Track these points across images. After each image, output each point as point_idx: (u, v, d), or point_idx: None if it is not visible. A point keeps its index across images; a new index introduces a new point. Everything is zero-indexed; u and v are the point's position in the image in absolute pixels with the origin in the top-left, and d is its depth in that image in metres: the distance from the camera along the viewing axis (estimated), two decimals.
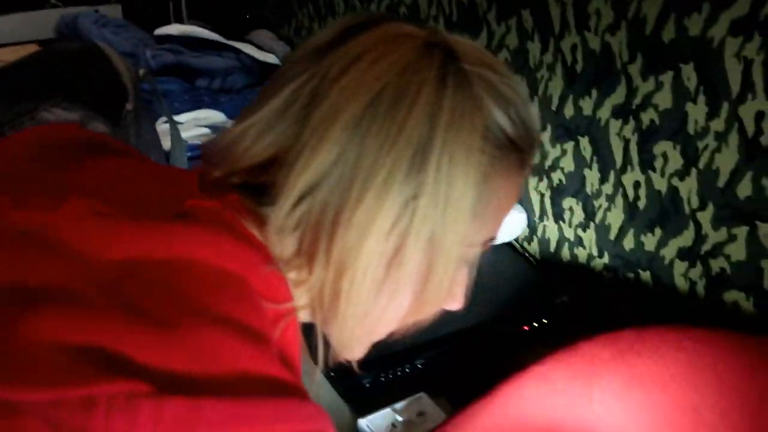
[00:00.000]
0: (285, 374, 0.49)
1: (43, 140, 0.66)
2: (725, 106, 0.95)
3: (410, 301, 0.59)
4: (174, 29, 1.94)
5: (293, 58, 0.57)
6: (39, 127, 0.70)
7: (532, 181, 1.35)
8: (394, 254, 0.54)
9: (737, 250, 1.00)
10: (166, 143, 1.47)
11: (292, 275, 0.57)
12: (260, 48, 2.01)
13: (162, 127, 1.56)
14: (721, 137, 0.97)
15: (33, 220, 0.50)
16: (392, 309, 0.59)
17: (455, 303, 0.65)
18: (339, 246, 0.53)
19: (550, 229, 1.34)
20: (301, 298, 0.58)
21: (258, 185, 0.55)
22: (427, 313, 0.62)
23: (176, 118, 1.70)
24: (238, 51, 1.95)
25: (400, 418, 0.98)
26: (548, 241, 1.35)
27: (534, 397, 0.93)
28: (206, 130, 1.68)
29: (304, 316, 0.61)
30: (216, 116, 1.74)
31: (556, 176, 1.29)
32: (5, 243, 0.49)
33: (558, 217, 1.31)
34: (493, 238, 0.63)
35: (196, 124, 1.71)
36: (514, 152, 0.57)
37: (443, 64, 0.53)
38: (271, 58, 1.99)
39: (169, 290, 0.47)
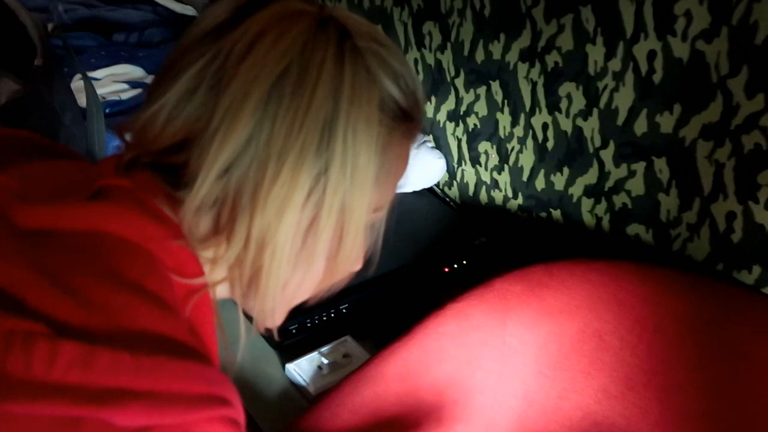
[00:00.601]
0: (191, 341, 0.50)
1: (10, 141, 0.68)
2: (621, 46, 0.99)
3: (325, 267, 0.62)
4: None
5: (191, 38, 0.58)
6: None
7: (449, 127, 1.37)
8: (310, 225, 0.58)
9: (637, 186, 1.05)
10: (83, 100, 1.44)
11: (208, 253, 0.59)
12: (178, 0, 1.96)
13: (77, 83, 1.53)
14: (618, 77, 1.00)
15: None
16: (309, 277, 0.62)
17: (357, 264, 0.68)
18: (258, 223, 0.55)
19: (468, 173, 1.38)
20: (216, 274, 0.60)
21: (170, 165, 0.57)
22: (340, 275, 0.65)
23: (93, 74, 1.66)
24: (154, 3, 1.90)
25: (326, 361, 1.01)
26: (467, 185, 1.39)
27: (451, 332, 0.97)
28: (124, 86, 1.65)
29: (220, 292, 0.63)
30: (134, 71, 1.70)
31: (471, 121, 1.32)
32: None
33: (475, 161, 1.35)
34: (390, 202, 0.67)
35: (113, 80, 1.67)
36: (406, 121, 0.61)
37: (339, 41, 0.56)
38: (189, 11, 1.95)
39: (79, 256, 0.49)
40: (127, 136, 0.60)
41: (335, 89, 0.55)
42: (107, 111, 1.51)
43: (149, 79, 1.69)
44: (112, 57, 1.72)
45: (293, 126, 0.54)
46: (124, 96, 1.59)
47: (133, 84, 1.65)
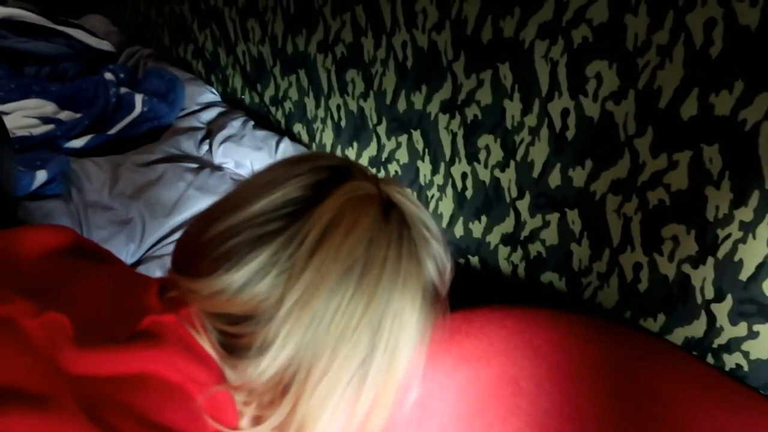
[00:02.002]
0: None
1: (41, 242, 0.67)
2: (537, 102, 1.04)
3: None
4: None
5: (265, 204, 0.60)
6: (37, 229, 0.69)
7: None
8: (344, 408, 0.61)
9: (550, 235, 1.09)
10: None
11: (248, 410, 0.61)
12: (93, 34, 1.92)
13: None
14: (534, 131, 1.05)
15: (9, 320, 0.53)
16: None
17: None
18: (303, 407, 0.58)
19: None
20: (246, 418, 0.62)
21: (229, 332, 0.59)
22: None
23: (2, 107, 1.60)
24: (69, 36, 1.85)
25: None
26: None
27: None
28: (35, 121, 1.59)
29: None
30: (46, 106, 1.65)
31: (392, 167, 1.34)
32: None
33: None
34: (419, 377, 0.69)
35: (24, 114, 1.61)
36: (437, 296, 0.66)
37: (399, 236, 0.60)
38: (105, 45, 1.92)
39: (122, 403, 0.52)
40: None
41: (391, 285, 0.59)
42: (17, 147, 1.45)
43: (62, 114, 1.64)
44: (22, 90, 1.66)
45: (351, 322, 0.58)
46: (35, 132, 1.53)
47: (45, 119, 1.60)
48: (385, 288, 0.59)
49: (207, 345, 0.59)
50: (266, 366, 0.58)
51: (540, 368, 0.98)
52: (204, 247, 0.60)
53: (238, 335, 0.58)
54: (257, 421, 0.61)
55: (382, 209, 0.61)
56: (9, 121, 1.51)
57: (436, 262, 0.64)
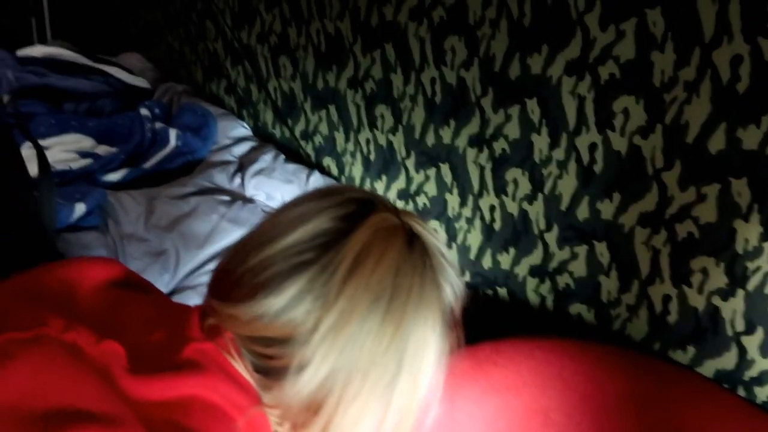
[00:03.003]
0: None
1: (96, 274, 0.72)
2: (564, 137, 1.06)
3: None
4: (37, 51, 1.88)
5: (297, 236, 0.63)
6: (93, 262, 0.74)
7: (400, 205, 1.42)
8: (374, 426, 0.63)
9: (579, 268, 1.11)
10: (33, 169, 1.43)
11: (282, 429, 0.65)
12: (129, 71, 1.98)
13: (28, 152, 1.52)
14: (562, 165, 1.07)
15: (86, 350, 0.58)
16: None
17: None
18: (336, 427, 0.61)
19: None
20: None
21: (266, 354, 0.63)
22: None
23: (42, 141, 1.65)
24: (106, 74, 1.91)
25: None
26: None
27: None
28: (74, 155, 1.64)
29: None
30: (84, 141, 1.70)
31: (421, 200, 1.37)
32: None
33: None
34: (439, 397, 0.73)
35: (63, 149, 1.67)
36: (453, 321, 0.68)
37: (423, 263, 0.63)
38: (141, 82, 1.97)
39: (176, 424, 0.57)
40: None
41: (416, 311, 0.62)
42: (57, 180, 1.50)
43: (99, 149, 1.69)
44: (61, 126, 1.72)
45: (380, 347, 0.61)
46: (74, 165, 1.58)
47: (83, 153, 1.65)
48: (411, 314, 0.62)
49: (243, 371, 0.62)
50: (301, 387, 0.60)
51: (570, 400, 0.99)
52: (242, 276, 0.64)
53: (275, 357, 0.61)
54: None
55: (406, 240, 0.64)
56: (49, 156, 1.56)
57: (453, 288, 0.67)
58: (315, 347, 0.60)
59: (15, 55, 1.89)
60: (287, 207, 0.67)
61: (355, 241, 0.62)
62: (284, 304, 0.60)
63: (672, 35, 0.88)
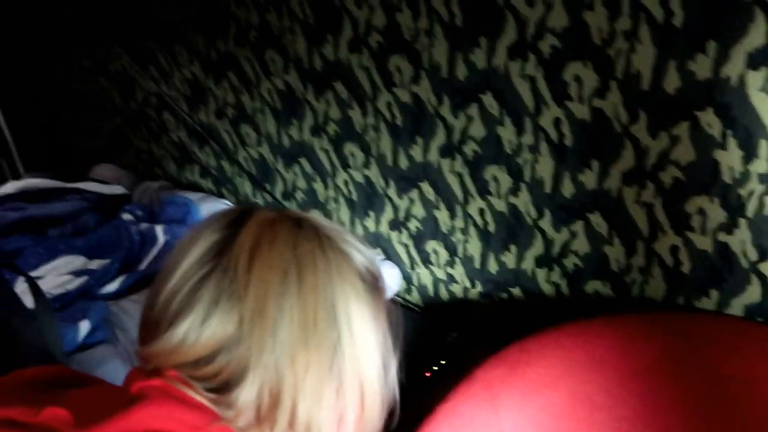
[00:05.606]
0: None
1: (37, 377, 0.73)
2: (527, 120, 1.04)
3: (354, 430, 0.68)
4: (10, 187, 1.89)
5: (189, 262, 0.64)
6: (37, 369, 0.76)
7: (394, 236, 1.40)
8: (337, 396, 0.63)
9: (581, 245, 1.08)
10: (28, 300, 1.43)
11: None
12: (103, 182, 1.99)
13: (21, 286, 1.52)
14: (534, 149, 1.06)
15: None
16: None
17: (380, 421, 0.71)
18: (302, 407, 0.61)
19: (423, 274, 1.39)
20: None
21: (209, 373, 0.63)
22: None
23: (35, 272, 1.65)
24: (81, 191, 1.92)
25: None
26: (425, 287, 1.41)
27: None
28: (68, 277, 1.64)
29: None
30: (74, 261, 1.70)
31: (413, 225, 1.35)
32: None
33: (426, 261, 1.37)
34: (397, 360, 0.72)
35: (57, 273, 1.66)
36: (378, 285, 0.68)
37: (316, 234, 0.65)
38: (117, 189, 1.98)
39: None
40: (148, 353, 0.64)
41: (327, 273, 0.63)
42: (56, 305, 1.49)
43: (92, 264, 1.68)
44: (50, 252, 1.71)
45: (307, 314, 0.61)
46: (70, 286, 1.58)
47: (77, 272, 1.64)
48: (323, 277, 0.63)
49: (194, 394, 0.62)
50: (251, 384, 0.60)
51: (609, 378, 0.96)
52: (158, 314, 0.65)
53: (217, 372, 0.62)
54: None
55: (293, 223, 0.67)
56: (44, 284, 1.56)
57: (359, 251, 0.68)
58: (247, 341, 0.60)
59: None
60: (178, 243, 0.68)
61: (244, 236, 0.63)
62: (202, 317, 0.61)
63: None
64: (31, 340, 1.31)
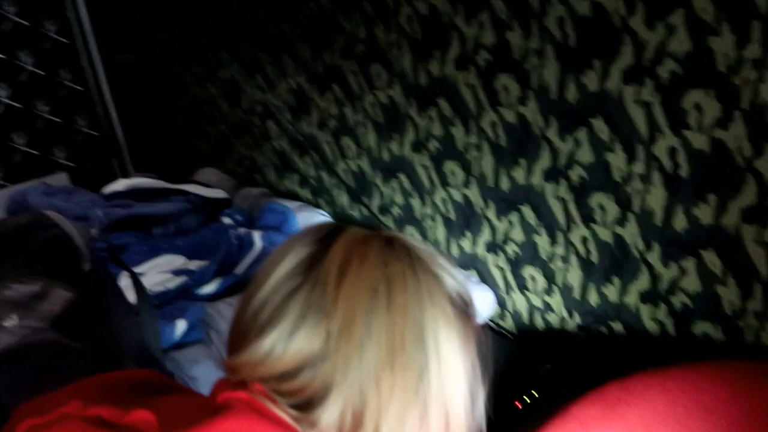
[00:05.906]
0: None
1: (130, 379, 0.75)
2: (640, 148, 0.99)
3: None
4: (120, 185, 1.98)
5: (278, 276, 0.65)
6: (126, 372, 0.78)
7: (491, 258, 1.37)
8: (422, 421, 0.62)
9: (692, 283, 1.02)
10: (131, 296, 1.48)
11: None
12: (206, 185, 2.05)
13: (125, 281, 1.57)
14: (645, 178, 1.00)
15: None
16: None
17: None
18: (384, 429, 0.60)
19: (518, 300, 1.35)
20: None
21: (293, 388, 0.62)
22: None
23: (137, 268, 1.71)
24: (186, 192, 1.98)
25: None
26: (519, 314, 1.36)
27: None
28: (168, 275, 1.69)
29: None
30: (175, 260, 1.75)
31: (510, 249, 1.31)
32: None
33: (522, 287, 1.33)
34: (485, 391, 0.70)
35: (157, 271, 1.72)
36: (468, 310, 0.67)
37: (407, 254, 0.64)
38: (219, 194, 2.04)
39: None
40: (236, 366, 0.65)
41: (418, 293, 0.62)
42: (156, 303, 1.54)
43: (192, 265, 1.73)
44: (152, 250, 1.78)
45: (395, 335, 0.60)
46: (170, 285, 1.62)
47: (177, 272, 1.69)
48: (413, 297, 0.62)
49: (278, 409, 0.61)
50: (334, 403, 0.59)
51: (716, 427, 0.90)
52: (247, 325, 0.65)
53: (302, 388, 0.61)
54: None
55: (384, 241, 0.65)
56: (146, 279, 1.61)
57: (451, 275, 0.66)
58: (334, 358, 0.60)
59: (101, 193, 2.00)
60: (269, 256, 0.68)
61: (335, 252, 0.63)
62: (290, 330, 0.61)
63: (726, 16, 0.82)
64: (131, 334, 1.35)
